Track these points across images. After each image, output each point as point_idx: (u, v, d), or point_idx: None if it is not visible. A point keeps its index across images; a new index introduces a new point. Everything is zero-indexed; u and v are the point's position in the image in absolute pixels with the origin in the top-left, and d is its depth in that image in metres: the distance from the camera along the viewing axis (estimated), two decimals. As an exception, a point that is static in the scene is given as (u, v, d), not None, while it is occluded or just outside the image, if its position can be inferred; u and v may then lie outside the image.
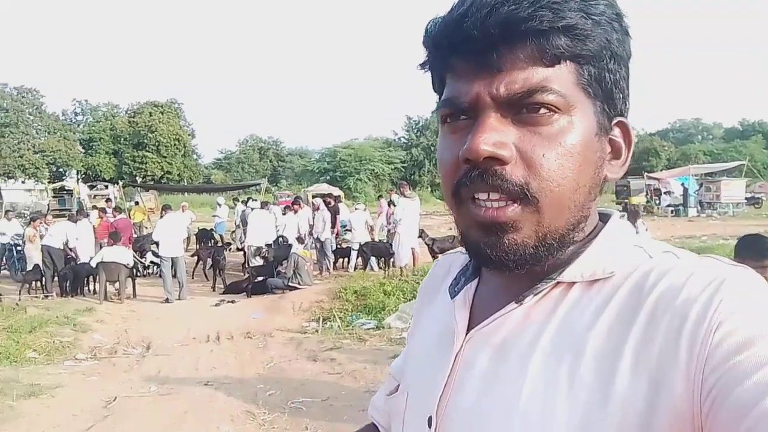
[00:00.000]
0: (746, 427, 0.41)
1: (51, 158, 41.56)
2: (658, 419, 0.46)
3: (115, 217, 12.81)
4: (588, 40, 0.52)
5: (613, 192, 26.65)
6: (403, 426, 0.66)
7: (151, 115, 45.28)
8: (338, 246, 12.56)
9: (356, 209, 13.03)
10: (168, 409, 4.74)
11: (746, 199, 26.26)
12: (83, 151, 44.57)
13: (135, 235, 13.43)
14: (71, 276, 10.21)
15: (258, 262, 10.98)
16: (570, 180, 0.53)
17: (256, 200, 15.79)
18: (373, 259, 11.83)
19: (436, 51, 0.58)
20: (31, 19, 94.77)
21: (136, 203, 20.38)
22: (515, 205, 0.53)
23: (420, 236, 10.87)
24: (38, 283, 10.57)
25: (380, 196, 16.87)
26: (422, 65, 0.60)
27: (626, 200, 23.65)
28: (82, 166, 43.75)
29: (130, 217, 14.64)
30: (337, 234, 12.73)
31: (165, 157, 45.21)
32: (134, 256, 11.01)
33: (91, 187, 31.04)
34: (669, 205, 24.90)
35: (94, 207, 17.36)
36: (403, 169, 42.93)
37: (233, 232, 16.50)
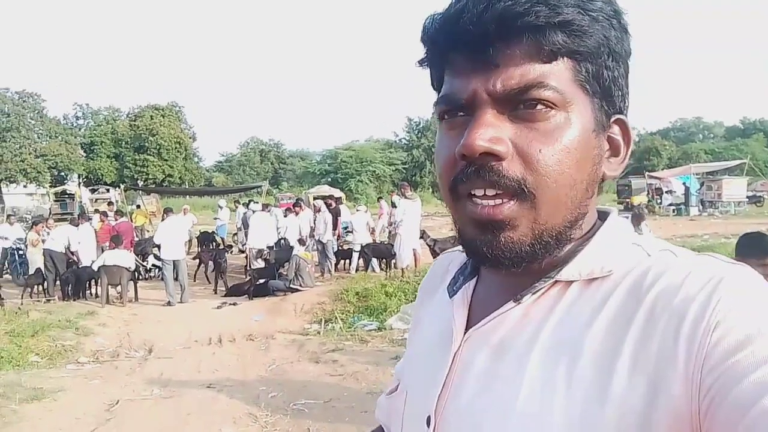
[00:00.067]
0: (745, 427, 0.41)
1: (52, 162, 41.59)
2: (656, 419, 0.45)
3: (116, 220, 12.85)
4: (585, 36, 0.52)
5: (614, 191, 26.68)
6: (402, 425, 0.65)
7: (152, 119, 45.31)
8: (339, 248, 12.53)
9: (357, 211, 13.02)
10: (170, 412, 4.74)
11: (748, 197, 26.27)
12: (84, 154, 44.58)
13: (137, 239, 13.49)
14: (73, 280, 10.22)
15: (259, 264, 10.97)
16: (567, 176, 0.53)
17: (257, 203, 15.82)
18: (374, 261, 11.82)
19: (433, 47, 0.57)
20: (32, 24, 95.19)
21: (138, 206, 20.38)
22: (512, 202, 0.53)
23: (421, 237, 10.85)
24: (40, 287, 10.58)
25: (380, 197, 16.86)
26: (421, 62, 0.60)
27: (628, 200, 23.68)
28: (84, 169, 43.77)
29: (131, 221, 14.66)
30: (338, 236, 12.72)
31: (166, 160, 45.23)
32: (136, 260, 11.04)
33: (93, 191, 31.07)
34: (670, 204, 24.85)
35: (96, 211, 17.44)
36: (404, 171, 42.90)
37: (235, 234, 16.54)
